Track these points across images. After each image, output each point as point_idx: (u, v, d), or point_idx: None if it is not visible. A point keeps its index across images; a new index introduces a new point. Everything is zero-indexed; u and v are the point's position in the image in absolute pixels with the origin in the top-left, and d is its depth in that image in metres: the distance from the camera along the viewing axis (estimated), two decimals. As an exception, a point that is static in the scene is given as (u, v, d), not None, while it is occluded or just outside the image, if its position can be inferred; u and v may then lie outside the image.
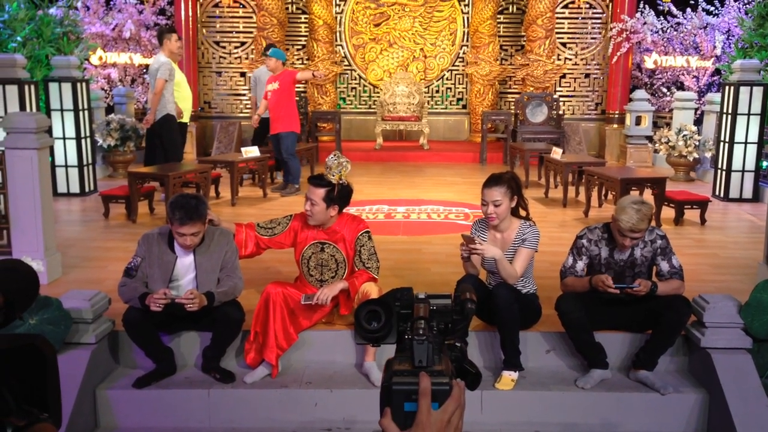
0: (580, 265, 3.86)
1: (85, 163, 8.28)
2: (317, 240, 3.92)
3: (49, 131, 5.38)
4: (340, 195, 3.85)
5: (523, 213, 3.91)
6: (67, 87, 8.08)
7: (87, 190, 8.30)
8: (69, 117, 8.15)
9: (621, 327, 3.92)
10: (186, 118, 8.15)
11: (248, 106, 11.77)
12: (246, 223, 4.07)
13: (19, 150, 4.58)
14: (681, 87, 11.92)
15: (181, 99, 7.94)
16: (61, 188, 8.14)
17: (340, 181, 3.83)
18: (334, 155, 3.87)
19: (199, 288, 3.70)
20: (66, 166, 8.19)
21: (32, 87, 7.45)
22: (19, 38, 8.18)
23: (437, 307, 1.20)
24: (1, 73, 7.17)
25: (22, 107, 7.15)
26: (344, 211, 3.99)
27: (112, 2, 11.69)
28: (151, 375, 3.73)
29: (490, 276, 3.97)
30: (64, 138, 8.12)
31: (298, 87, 10.91)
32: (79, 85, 8.18)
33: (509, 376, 3.73)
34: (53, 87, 8.07)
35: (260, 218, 6.89)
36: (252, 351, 3.80)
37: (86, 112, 8.38)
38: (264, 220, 4.13)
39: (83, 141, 8.26)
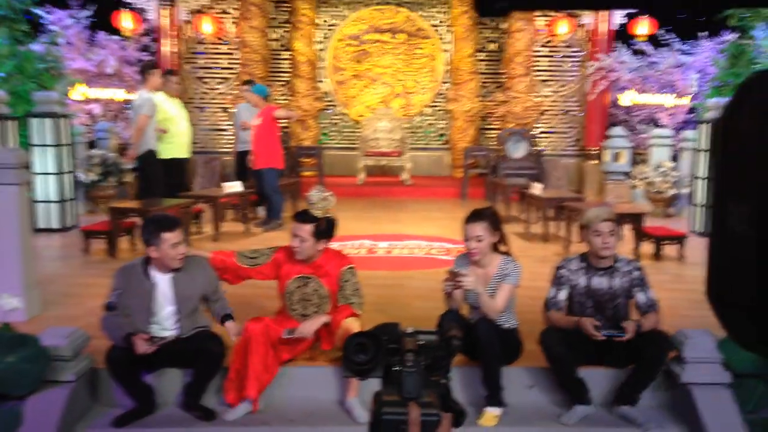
0: (562, 295, 3.90)
1: (66, 198, 8.24)
2: (302, 274, 3.92)
3: (29, 167, 5.35)
4: (327, 229, 3.86)
5: (503, 248, 3.94)
6: (48, 122, 8.07)
7: (68, 225, 8.24)
8: (50, 152, 8.12)
9: (604, 363, 3.94)
10: (182, 153, 8.21)
11: (232, 142, 11.81)
12: (224, 251, 4.06)
13: (-1, 186, 4.56)
14: (657, 124, 12.13)
15: (176, 134, 8.01)
16: (42, 224, 8.08)
17: (326, 215, 3.85)
18: (317, 190, 3.89)
19: (181, 318, 3.73)
20: (47, 202, 8.14)
21: (14, 123, 7.43)
22: (1, 74, 8.18)
23: (424, 342, 1.22)
24: (-18, 108, 7.17)
25: (4, 143, 7.13)
26: (331, 246, 4.00)
27: (94, 38, 11.73)
28: (130, 414, 3.67)
29: (471, 311, 3.98)
30: (45, 173, 8.08)
31: (281, 122, 10.98)
32: (60, 120, 8.17)
33: (492, 413, 3.72)
34: (35, 122, 8.06)
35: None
36: (232, 389, 3.76)
37: (68, 148, 8.36)
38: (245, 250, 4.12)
39: (64, 176, 8.23)
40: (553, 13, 12.33)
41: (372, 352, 1.18)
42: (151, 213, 6.59)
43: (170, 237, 3.64)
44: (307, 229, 3.80)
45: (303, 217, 3.86)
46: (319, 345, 3.94)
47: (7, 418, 3.42)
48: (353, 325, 3.72)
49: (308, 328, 3.73)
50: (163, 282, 3.74)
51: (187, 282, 3.77)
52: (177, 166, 8.21)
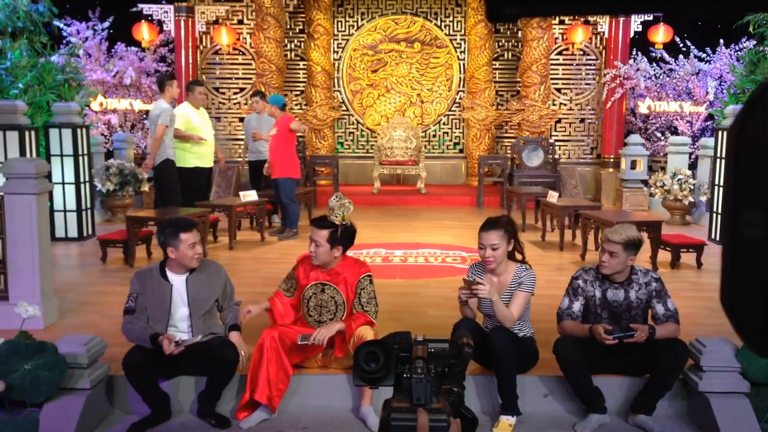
0: (577, 306, 3.87)
1: (83, 207, 8.32)
2: (319, 281, 3.94)
3: (49, 176, 5.42)
4: (344, 236, 3.88)
5: (519, 256, 3.93)
6: (67, 133, 8.15)
7: (85, 234, 8.31)
8: (69, 162, 8.20)
9: (619, 371, 3.91)
10: (204, 163, 8.33)
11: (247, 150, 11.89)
12: (273, 295, 4.07)
13: (18, 195, 4.61)
14: (675, 132, 12.06)
15: (197, 144, 8.16)
16: (60, 233, 8.15)
17: (344, 222, 3.86)
18: (336, 197, 3.91)
19: (192, 317, 3.78)
20: (65, 211, 8.22)
21: (33, 133, 7.52)
22: (20, 85, 8.29)
23: (435, 351, 1.22)
24: (2, 119, 7.25)
25: (23, 153, 7.21)
26: (348, 254, 4.01)
27: (113, 50, 11.87)
28: (145, 421, 3.70)
29: (487, 319, 3.97)
30: (63, 183, 8.16)
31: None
32: (79, 130, 8.26)
33: (507, 421, 3.70)
34: (54, 133, 8.15)
35: (257, 261, 6.95)
36: (248, 396, 3.77)
37: (86, 158, 8.45)
38: (281, 282, 4.14)
39: (82, 186, 8.31)
40: (569, 21, 12.31)
41: (383, 360, 1.18)
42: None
43: (188, 237, 3.75)
44: (323, 234, 3.82)
45: (320, 222, 3.89)
46: (333, 352, 3.94)
47: (24, 425, 3.45)
48: (367, 333, 3.72)
49: (323, 334, 3.73)
50: (178, 282, 3.83)
51: (202, 284, 3.85)
52: (199, 175, 8.28)
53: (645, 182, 10.77)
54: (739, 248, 0.65)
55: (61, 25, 11.02)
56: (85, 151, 8.43)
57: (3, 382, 3.45)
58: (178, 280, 3.83)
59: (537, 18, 11.41)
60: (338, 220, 3.85)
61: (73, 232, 8.25)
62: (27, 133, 7.35)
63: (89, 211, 8.46)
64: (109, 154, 10.55)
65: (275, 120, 8.29)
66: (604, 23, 12.07)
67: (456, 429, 1.07)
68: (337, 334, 3.81)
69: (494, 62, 12.46)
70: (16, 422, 3.47)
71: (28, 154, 7.28)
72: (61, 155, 8.18)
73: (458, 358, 1.24)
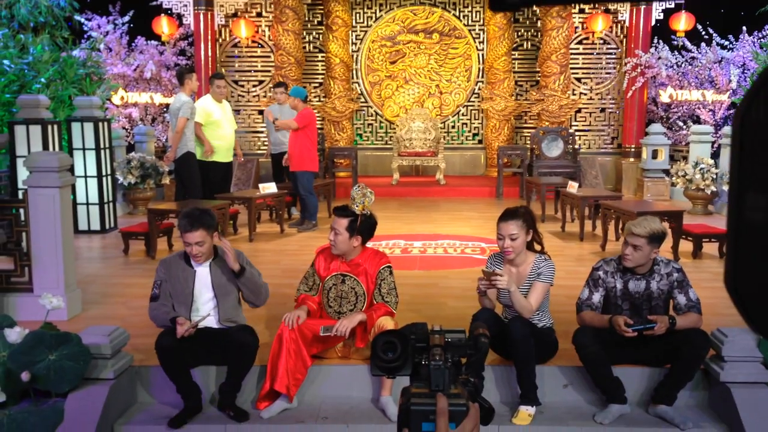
0: (597, 297, 3.85)
1: (105, 200, 8.41)
2: (339, 271, 3.96)
3: (71, 170, 5.49)
4: (364, 226, 3.89)
5: (537, 247, 3.92)
6: (89, 126, 8.24)
7: (107, 227, 8.40)
8: (90, 156, 8.29)
9: (639, 361, 3.89)
10: (222, 158, 8.35)
11: (266, 143, 11.93)
12: (299, 300, 4.04)
13: (41, 188, 4.68)
14: (697, 120, 11.93)
15: (217, 137, 8.19)
16: (82, 226, 8.25)
17: (363, 212, 3.88)
18: (359, 186, 3.94)
19: (219, 304, 3.82)
20: (87, 204, 8.31)
21: (55, 127, 7.61)
22: (42, 79, 8.38)
23: (452, 341, 1.23)
24: (25, 113, 7.34)
25: (45, 147, 7.30)
26: (368, 245, 4.03)
27: (133, 44, 11.95)
28: (183, 414, 3.72)
29: (505, 310, 3.97)
30: (85, 176, 8.25)
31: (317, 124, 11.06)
32: (100, 124, 8.35)
33: (526, 411, 3.70)
34: (76, 126, 8.24)
35: (277, 253, 6.99)
36: (268, 386, 3.80)
37: (107, 151, 8.53)
38: (300, 282, 4.12)
39: (104, 179, 8.40)
40: (589, 10, 12.20)
41: (400, 350, 1.19)
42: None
43: (189, 237, 3.77)
44: (343, 222, 3.84)
45: (341, 211, 3.92)
46: (353, 342, 3.96)
47: (49, 415, 3.51)
48: (388, 324, 3.74)
49: (345, 326, 3.75)
50: (202, 269, 3.87)
51: (223, 268, 3.87)
52: (215, 170, 8.30)
53: (666, 172, 10.66)
54: (742, 232, 0.66)
55: (82, 20, 11.11)
56: (107, 145, 8.52)
57: (28, 373, 3.51)
58: (201, 267, 3.88)
59: (556, 7, 11.33)
60: (359, 210, 3.87)
61: (95, 225, 8.35)
62: (50, 127, 7.43)
63: (111, 204, 8.55)
64: (130, 148, 10.66)
65: (296, 112, 8.28)
66: (624, 12, 11.94)
67: (475, 413, 1.08)
68: (359, 325, 3.83)
69: (513, 52, 12.38)
70: (42, 412, 3.53)
71: (50, 148, 7.37)
72: (83, 149, 8.28)
73: (474, 348, 1.25)
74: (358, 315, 3.83)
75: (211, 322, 3.84)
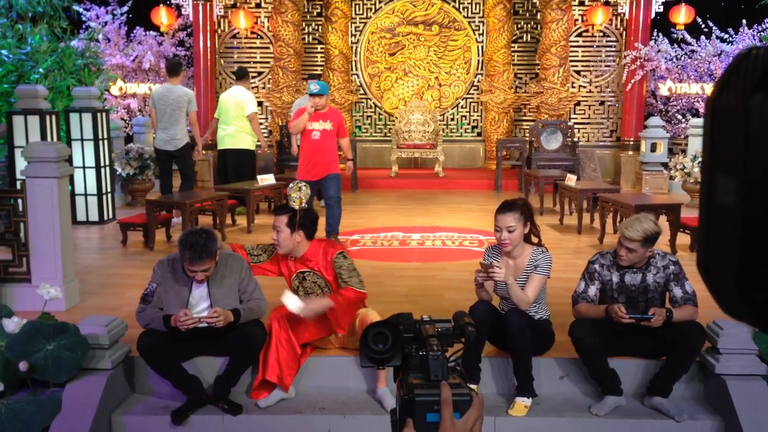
0: (593, 290, 3.86)
1: (104, 191, 8.41)
2: (297, 271, 3.97)
3: (69, 160, 5.48)
4: (304, 220, 3.89)
5: (535, 239, 3.92)
6: (87, 117, 8.23)
7: (106, 218, 8.40)
8: (89, 146, 8.28)
9: (635, 353, 3.91)
10: (225, 145, 8.70)
11: (266, 135, 11.91)
12: (234, 244, 4.16)
13: (39, 179, 4.67)
14: (696, 114, 11.92)
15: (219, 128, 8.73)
16: (81, 216, 8.25)
17: (302, 205, 3.89)
18: (293, 183, 3.97)
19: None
20: (85, 195, 8.31)
21: (53, 117, 7.60)
22: (41, 70, 8.36)
23: (441, 330, 1.24)
24: (23, 103, 7.33)
25: (44, 137, 7.29)
26: (315, 238, 4.03)
27: (132, 34, 11.92)
28: (186, 406, 3.70)
29: (503, 302, 3.98)
30: (83, 167, 8.25)
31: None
32: (99, 115, 8.33)
33: (522, 403, 3.72)
34: (74, 117, 8.23)
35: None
36: (260, 376, 3.80)
37: (106, 142, 8.52)
38: (256, 250, 4.12)
39: (102, 170, 8.39)
40: (588, 2, 12.18)
41: (391, 340, 1.20)
42: (188, 207, 6.71)
43: (195, 267, 3.66)
44: (283, 219, 3.86)
45: (279, 209, 3.96)
46: (332, 328, 3.91)
47: (46, 404, 3.53)
48: (370, 314, 3.77)
49: (307, 314, 3.70)
50: (200, 284, 3.80)
51: (223, 286, 3.81)
52: (222, 157, 8.75)
53: (665, 165, 10.67)
54: (712, 213, 0.67)
55: (81, 10, 11.07)
56: (105, 136, 8.51)
57: (26, 362, 3.52)
58: (198, 282, 3.79)
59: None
60: (296, 205, 3.88)
61: (93, 216, 8.35)
62: (48, 118, 7.42)
63: (109, 195, 8.55)
64: (128, 139, 10.64)
65: (324, 111, 6.79)
66: (624, 4, 11.92)
67: (478, 401, 1.08)
68: (330, 312, 3.77)
69: (513, 44, 12.37)
70: (39, 402, 3.54)
71: (48, 139, 7.36)
72: (82, 139, 8.27)
73: (461, 337, 1.25)
74: (322, 300, 3.76)
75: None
